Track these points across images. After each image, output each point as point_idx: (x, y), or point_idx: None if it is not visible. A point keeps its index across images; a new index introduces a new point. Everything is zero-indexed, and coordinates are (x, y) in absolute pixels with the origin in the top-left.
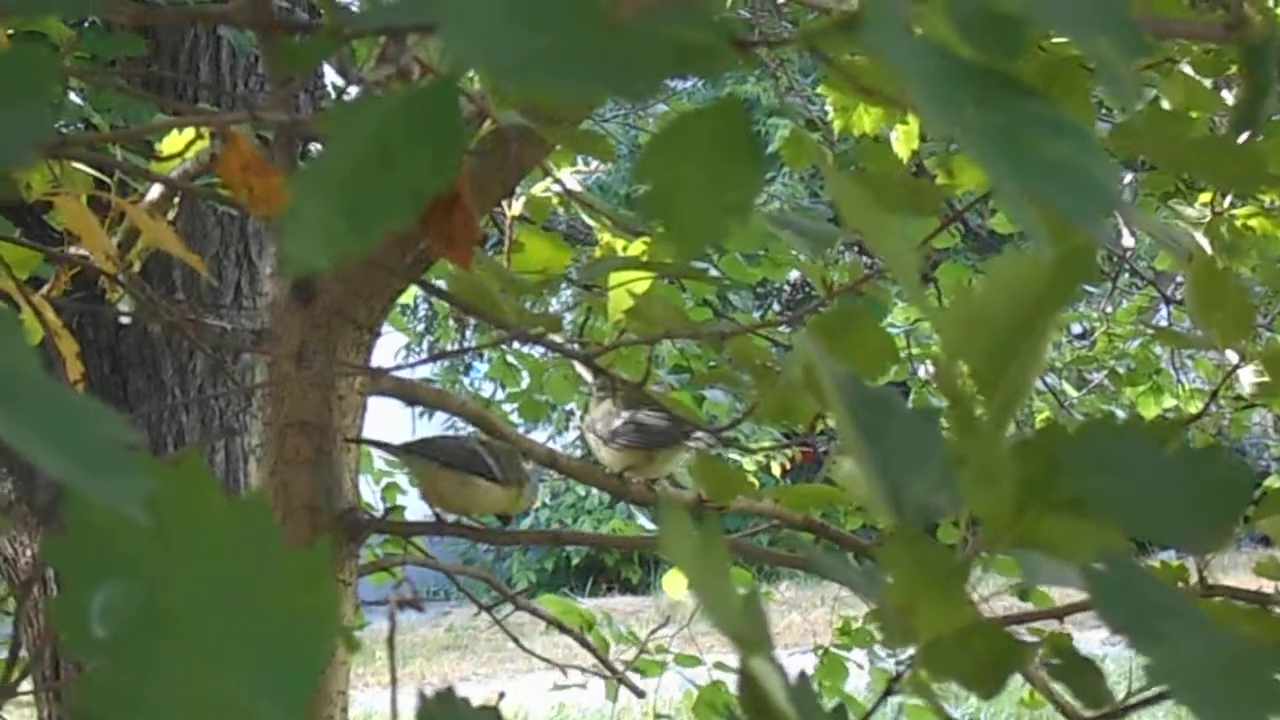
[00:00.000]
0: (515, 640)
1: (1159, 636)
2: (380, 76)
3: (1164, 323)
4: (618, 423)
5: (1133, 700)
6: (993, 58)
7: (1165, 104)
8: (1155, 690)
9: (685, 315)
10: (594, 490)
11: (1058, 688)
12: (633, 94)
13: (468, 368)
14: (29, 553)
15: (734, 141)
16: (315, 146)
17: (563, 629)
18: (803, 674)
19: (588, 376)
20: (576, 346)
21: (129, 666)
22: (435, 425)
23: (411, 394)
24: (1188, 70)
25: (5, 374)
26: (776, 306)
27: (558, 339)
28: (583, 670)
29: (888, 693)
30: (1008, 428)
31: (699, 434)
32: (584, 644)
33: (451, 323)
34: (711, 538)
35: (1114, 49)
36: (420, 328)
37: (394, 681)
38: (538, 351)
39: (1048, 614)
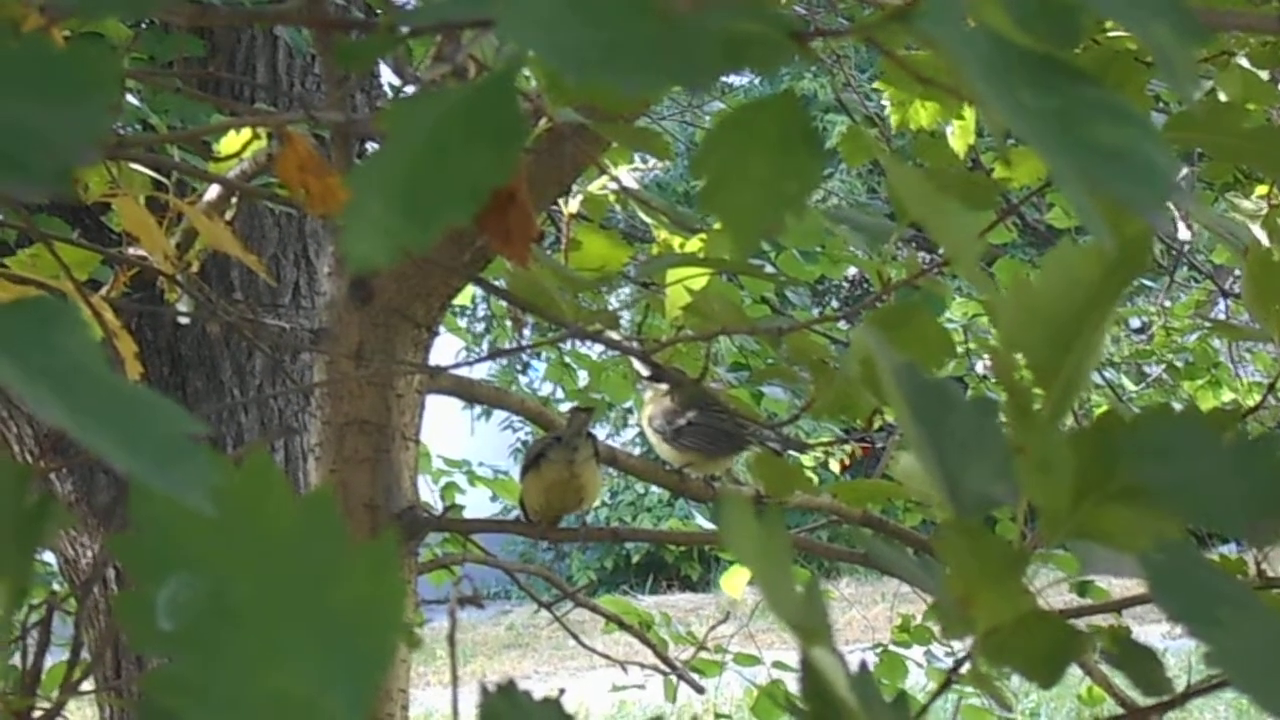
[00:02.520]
0: (576, 638)
1: (1218, 623)
2: (436, 75)
3: (1222, 316)
4: (681, 421)
5: (1192, 690)
6: (1049, 45)
7: (1222, 96)
8: (1215, 680)
9: (743, 311)
10: (653, 488)
11: (1117, 680)
12: (691, 87)
13: (525, 367)
14: (89, 554)
15: (792, 134)
16: (371, 146)
17: (623, 626)
18: (864, 664)
19: (644, 373)
20: (635, 344)
21: (195, 660)
22: (493, 425)
23: (470, 392)
24: (1244, 63)
25: (71, 370)
26: (834, 304)
27: (615, 336)
28: (642, 667)
29: (947, 684)
30: (1065, 418)
31: (761, 436)
32: (644, 641)
33: (509, 323)
34: (773, 530)
35: (1170, 37)
36: (480, 329)
37: (455, 679)
38: (595, 351)
39: (1106, 607)
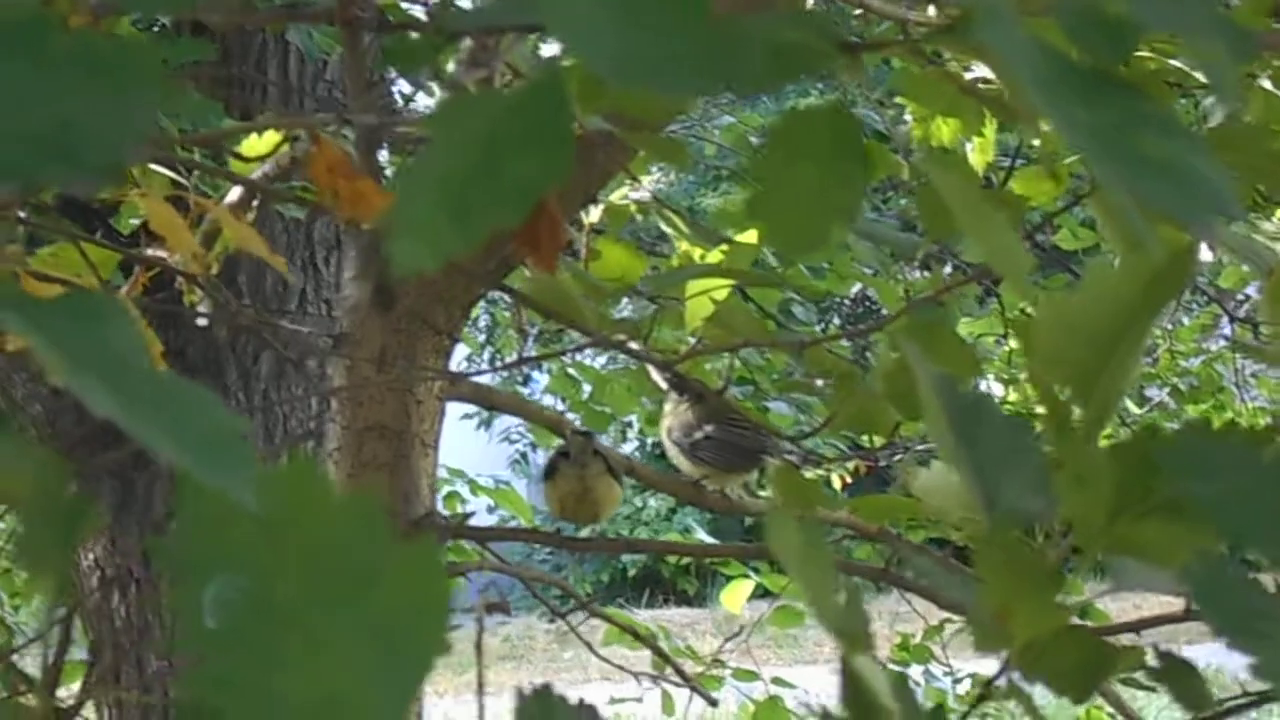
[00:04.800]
0: (589, 647)
1: (1263, 636)
2: (471, 80)
3: (1225, 340)
4: (699, 435)
5: (1227, 706)
6: (1100, 59)
7: (1245, 118)
8: (1246, 699)
9: (765, 324)
10: (650, 501)
11: (1126, 698)
12: (741, 92)
13: (526, 379)
14: (90, 556)
15: (842, 145)
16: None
17: (636, 636)
18: (902, 674)
19: (662, 384)
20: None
21: (238, 659)
22: (492, 436)
23: (489, 399)
24: (1267, 84)
25: (120, 363)
26: (836, 321)
27: (635, 346)
28: (654, 678)
29: (982, 697)
30: (1102, 433)
31: (779, 450)
32: (657, 652)
33: (513, 333)
34: (815, 538)
35: (1221, 54)
36: (481, 339)
37: (480, 686)
38: (599, 363)
39: (1132, 626)
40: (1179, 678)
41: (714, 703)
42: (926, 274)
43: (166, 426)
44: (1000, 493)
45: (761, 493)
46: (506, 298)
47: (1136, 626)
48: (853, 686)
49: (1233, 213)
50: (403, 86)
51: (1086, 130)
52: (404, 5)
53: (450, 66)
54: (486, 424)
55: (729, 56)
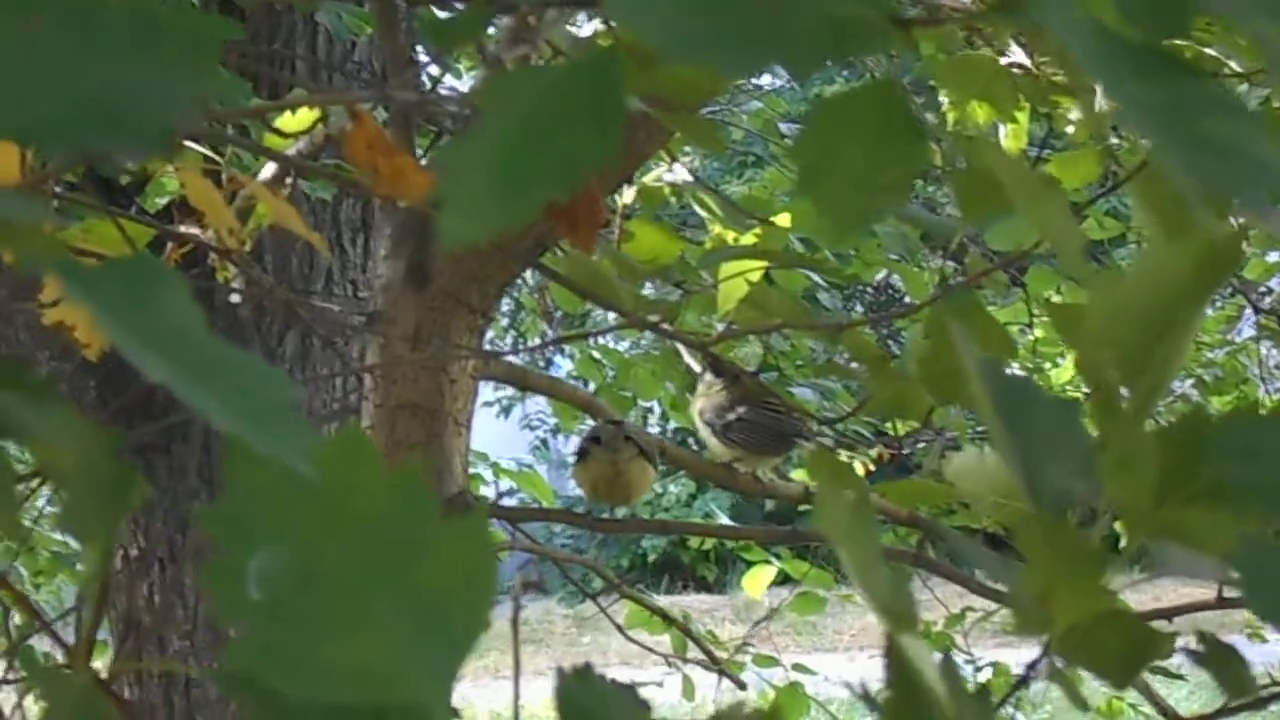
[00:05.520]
0: (619, 628)
1: None
2: (512, 57)
3: (1250, 332)
4: (731, 417)
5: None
6: (1155, 36)
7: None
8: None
9: (803, 306)
10: (670, 488)
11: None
12: (797, 70)
13: (549, 363)
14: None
15: (893, 122)
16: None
17: (666, 618)
18: (947, 655)
19: (695, 366)
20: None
21: (282, 629)
22: (512, 422)
23: (523, 379)
24: None
25: (175, 332)
26: (859, 308)
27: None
28: (677, 661)
29: (1023, 680)
30: (1150, 416)
31: (812, 431)
32: (687, 634)
33: (538, 317)
34: (863, 516)
35: (1275, 31)
36: (504, 322)
37: (516, 665)
38: (622, 346)
39: (1170, 611)
40: (1222, 662)
41: (743, 685)
42: (951, 262)
43: (221, 394)
44: (1044, 475)
45: (793, 476)
46: (530, 281)
47: (1170, 613)
48: (898, 666)
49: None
50: (431, 69)
51: (1145, 107)
52: None
53: (488, 45)
54: (506, 411)
55: (783, 31)
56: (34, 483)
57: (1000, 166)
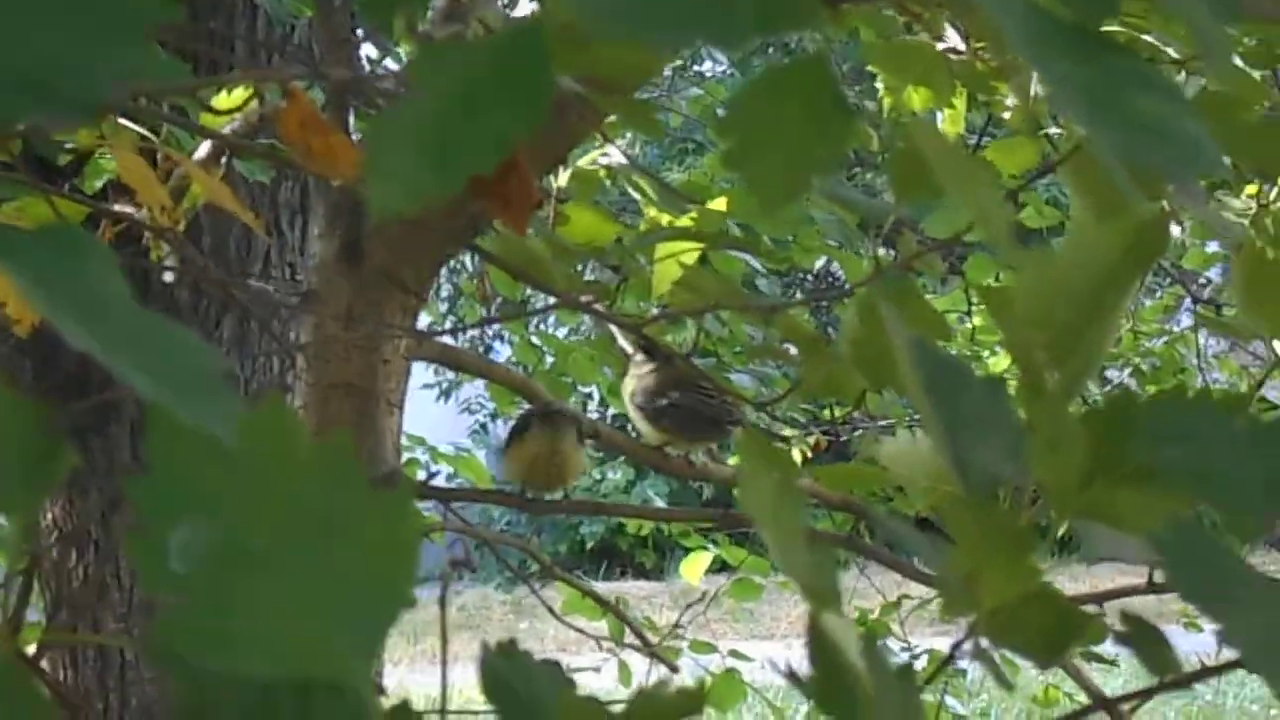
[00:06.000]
0: (551, 612)
1: (1233, 602)
2: (444, 35)
3: (1188, 321)
4: (663, 401)
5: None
6: (1087, 16)
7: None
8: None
9: (738, 289)
10: (609, 474)
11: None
12: (729, 44)
13: (488, 349)
14: (49, 515)
15: (821, 98)
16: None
17: (600, 601)
18: (869, 633)
19: (629, 349)
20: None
21: (208, 603)
22: (452, 406)
23: (456, 360)
24: (1237, 61)
25: (100, 300)
26: (799, 295)
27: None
28: (620, 645)
29: (949, 659)
30: (1077, 398)
31: (746, 417)
32: (621, 618)
33: (476, 302)
34: (786, 496)
35: (1207, 18)
36: (443, 308)
37: (444, 642)
38: (561, 332)
39: (1092, 598)
40: (1147, 642)
41: (676, 669)
42: (890, 250)
43: (147, 363)
44: (973, 456)
45: (729, 460)
46: (470, 266)
47: (1100, 598)
48: (820, 645)
49: (1219, 172)
50: (369, 51)
51: (1075, 86)
52: None
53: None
54: (446, 394)
55: (717, 7)
56: None
57: (929, 147)
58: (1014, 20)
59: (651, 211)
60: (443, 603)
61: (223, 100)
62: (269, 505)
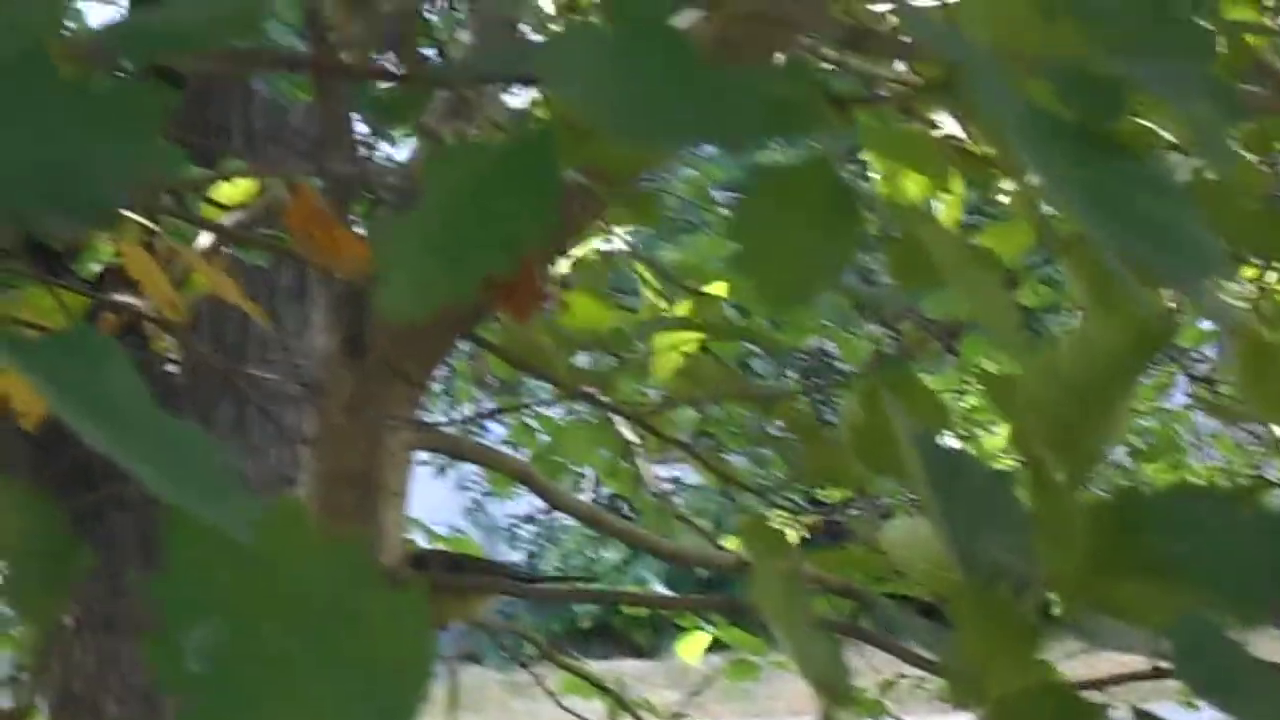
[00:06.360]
0: (551, 696)
1: (1244, 695)
2: (449, 130)
3: (1183, 398)
4: None
5: None
6: (1092, 118)
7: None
8: None
9: (737, 375)
10: (604, 553)
11: None
12: (735, 148)
13: (482, 428)
14: None
15: (829, 198)
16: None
17: (600, 687)
18: None
19: (631, 437)
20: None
21: (223, 703)
22: (448, 482)
23: (457, 449)
24: (1234, 146)
25: (118, 404)
26: (791, 374)
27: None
28: None
29: None
30: (1083, 490)
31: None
32: (621, 703)
33: (472, 385)
34: (797, 588)
35: (1210, 115)
36: (438, 388)
37: None
38: (556, 413)
39: (1098, 683)
40: None
41: None
42: (885, 330)
43: (163, 464)
44: (977, 546)
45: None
46: (465, 348)
47: (1106, 683)
48: None
49: (1222, 274)
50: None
51: (1076, 187)
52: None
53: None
54: (442, 471)
55: (724, 109)
56: None
57: (933, 242)
58: (1013, 122)
59: (650, 296)
60: (452, 693)
61: (226, 192)
62: (283, 602)
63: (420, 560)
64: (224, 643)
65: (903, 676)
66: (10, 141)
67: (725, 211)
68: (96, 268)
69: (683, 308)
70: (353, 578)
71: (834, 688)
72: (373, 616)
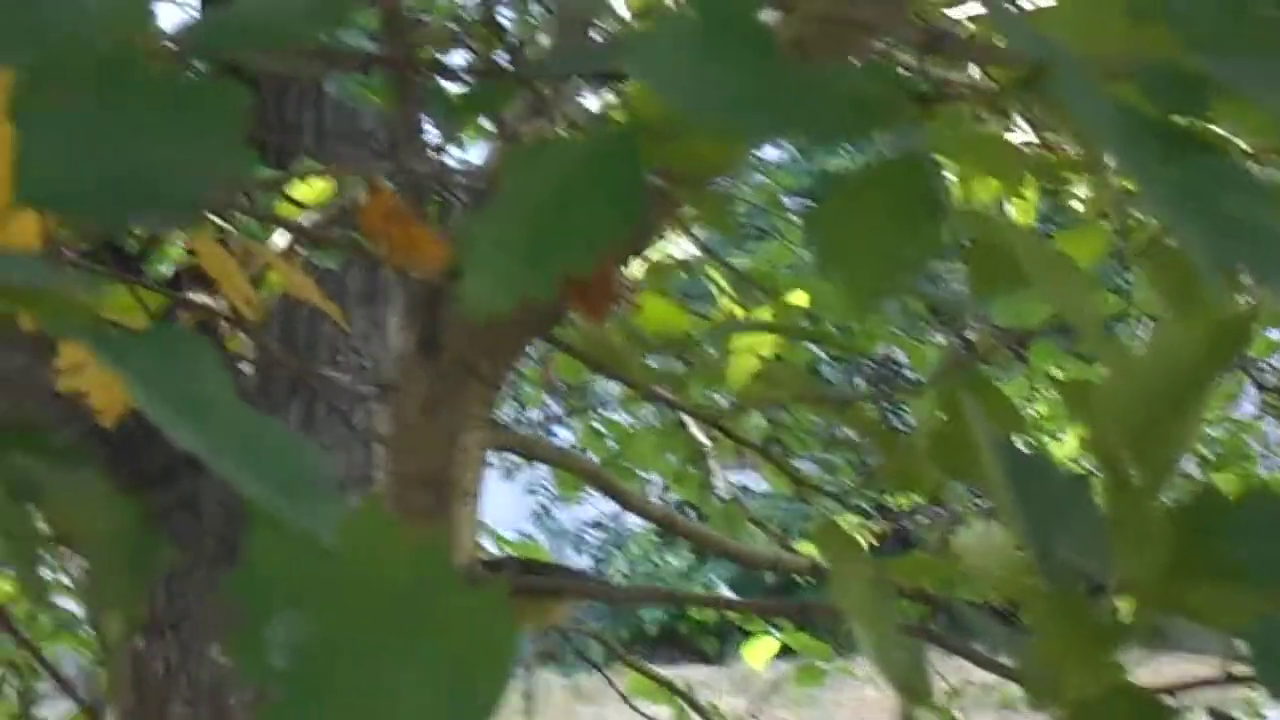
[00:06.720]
0: (627, 701)
1: None
2: (529, 129)
3: (1252, 408)
4: None
5: None
6: (1176, 114)
7: None
8: None
9: (812, 381)
10: (670, 559)
11: None
12: (821, 140)
13: (549, 433)
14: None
15: (915, 197)
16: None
17: (674, 690)
18: None
19: (703, 439)
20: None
21: (306, 698)
22: (516, 486)
23: (531, 449)
24: None
25: (204, 400)
26: (859, 381)
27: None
28: None
29: None
30: (1161, 493)
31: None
32: (694, 706)
33: (542, 388)
34: (880, 591)
35: None
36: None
37: None
38: (623, 418)
39: (1171, 688)
40: None
41: None
42: (954, 337)
43: (251, 463)
44: (1056, 550)
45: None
46: (532, 351)
47: (1179, 688)
48: None
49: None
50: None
51: (1165, 185)
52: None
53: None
54: (509, 475)
55: (811, 104)
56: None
57: (1018, 243)
58: (1101, 119)
59: (725, 302)
60: (528, 697)
61: (303, 191)
62: (367, 600)
63: (495, 564)
64: (306, 638)
65: (970, 683)
66: (102, 140)
67: (795, 218)
68: (166, 269)
69: (762, 312)
70: (435, 577)
71: (915, 689)
72: (455, 615)
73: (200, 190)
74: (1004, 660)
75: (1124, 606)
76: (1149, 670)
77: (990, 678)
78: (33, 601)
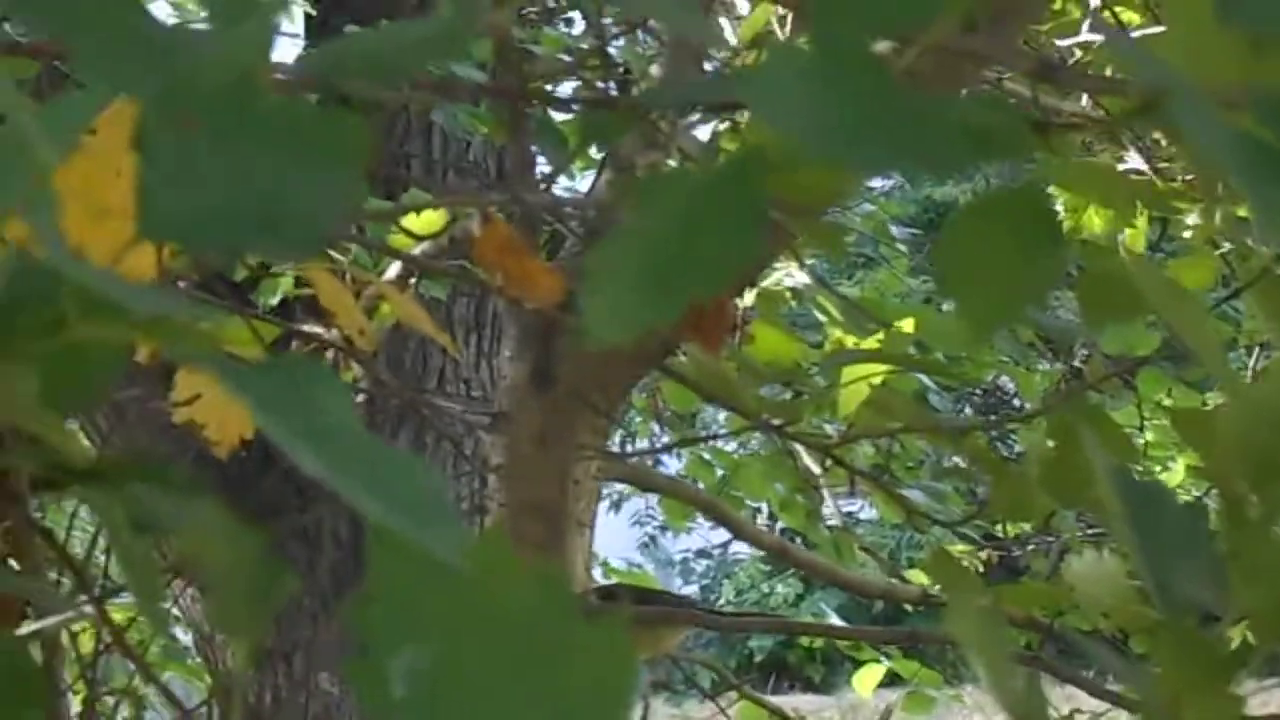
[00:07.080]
0: None
1: None
2: (644, 160)
3: None
4: None
5: None
6: None
7: None
8: None
9: (923, 410)
10: (778, 587)
11: None
12: (940, 172)
13: (656, 462)
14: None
15: (1038, 226)
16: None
17: (781, 716)
18: None
19: (815, 469)
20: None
21: None
22: (623, 518)
23: (645, 480)
24: None
25: (327, 426)
26: (968, 410)
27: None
28: None
29: None
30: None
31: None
32: None
33: (650, 418)
34: (994, 621)
35: None
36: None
37: None
38: (730, 447)
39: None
40: None
41: None
42: (1063, 365)
43: (376, 486)
44: (1174, 580)
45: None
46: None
47: None
48: None
49: None
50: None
51: None
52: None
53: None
54: (617, 507)
55: (929, 134)
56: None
57: (1136, 271)
58: (1221, 144)
59: (835, 331)
60: None
61: (417, 222)
62: (488, 630)
63: (607, 593)
64: (428, 667)
65: (1079, 711)
66: (225, 172)
67: (902, 247)
68: (273, 299)
69: (872, 341)
70: (556, 607)
71: (1031, 718)
72: (576, 646)
73: (326, 222)
74: (1115, 688)
75: (1238, 636)
76: (1258, 701)
77: (1101, 705)
78: (156, 632)
